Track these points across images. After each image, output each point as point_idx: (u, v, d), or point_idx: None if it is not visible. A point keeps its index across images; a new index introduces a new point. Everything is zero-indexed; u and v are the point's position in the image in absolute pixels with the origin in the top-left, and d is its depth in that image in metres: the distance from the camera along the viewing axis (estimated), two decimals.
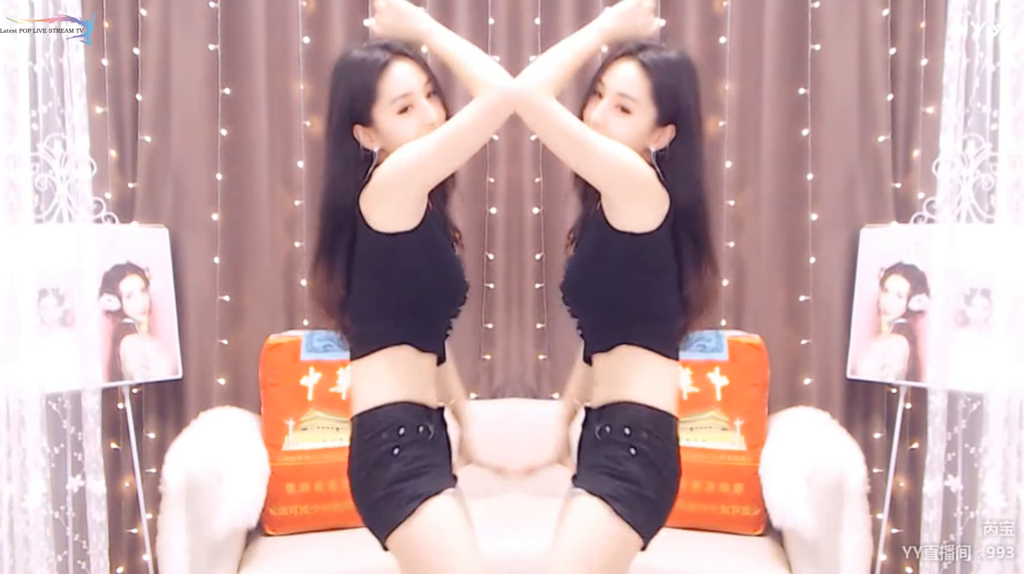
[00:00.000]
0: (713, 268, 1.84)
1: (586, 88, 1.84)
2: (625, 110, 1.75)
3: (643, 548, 1.78)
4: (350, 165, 1.74)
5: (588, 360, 1.89)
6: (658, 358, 1.80)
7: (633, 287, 1.77)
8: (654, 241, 1.75)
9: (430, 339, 1.84)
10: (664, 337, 1.81)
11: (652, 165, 1.75)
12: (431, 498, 1.72)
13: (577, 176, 1.84)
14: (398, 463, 1.72)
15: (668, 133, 1.76)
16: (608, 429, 1.77)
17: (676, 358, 1.85)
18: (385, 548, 1.78)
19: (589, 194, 1.89)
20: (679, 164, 1.75)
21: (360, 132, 1.75)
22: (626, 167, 1.70)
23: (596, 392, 1.86)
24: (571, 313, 1.91)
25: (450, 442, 1.89)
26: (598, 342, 1.84)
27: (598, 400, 1.84)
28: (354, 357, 1.83)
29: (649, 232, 1.74)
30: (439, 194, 1.88)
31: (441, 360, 1.90)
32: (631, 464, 1.73)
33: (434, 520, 1.72)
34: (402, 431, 1.74)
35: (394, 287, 1.77)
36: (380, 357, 1.78)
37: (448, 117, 1.77)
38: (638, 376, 1.78)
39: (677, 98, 1.75)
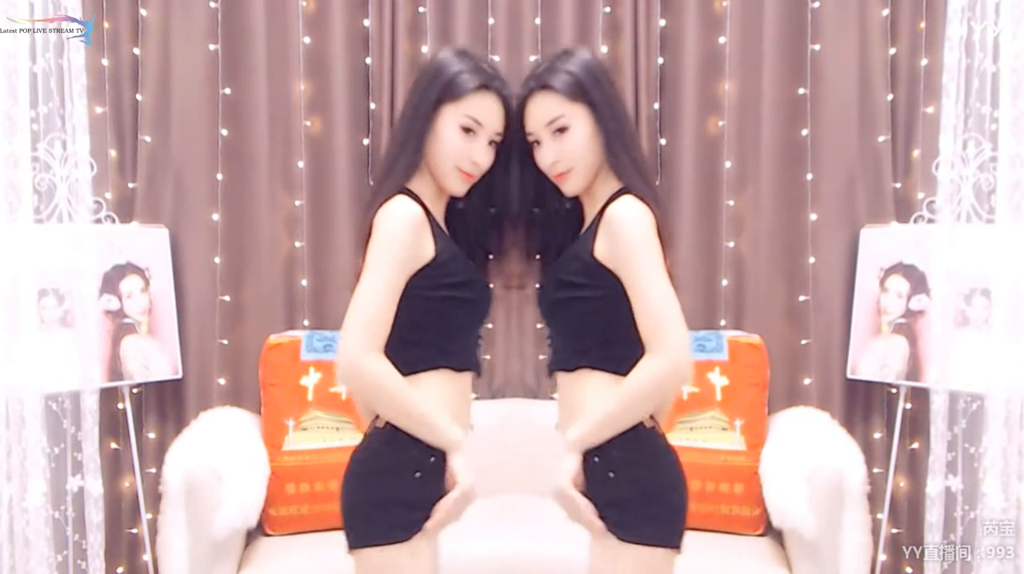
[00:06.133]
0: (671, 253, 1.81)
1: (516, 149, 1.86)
2: (562, 130, 1.78)
3: (679, 551, 1.79)
4: (409, 145, 1.77)
5: (550, 373, 1.88)
6: (617, 378, 1.75)
7: (610, 316, 1.75)
8: None
9: (464, 357, 1.82)
10: (629, 358, 1.74)
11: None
12: (418, 535, 1.71)
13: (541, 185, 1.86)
14: (411, 486, 1.70)
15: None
16: (585, 462, 1.73)
17: None
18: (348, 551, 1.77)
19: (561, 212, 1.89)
20: (618, 149, 1.77)
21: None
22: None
23: (563, 422, 1.84)
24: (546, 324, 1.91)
25: None
26: (564, 362, 1.83)
27: (566, 425, 1.81)
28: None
29: None
30: (481, 196, 1.88)
31: (479, 371, 1.88)
32: (618, 488, 1.71)
33: (411, 558, 1.71)
34: (432, 459, 1.71)
35: (418, 312, 1.74)
36: (420, 380, 1.75)
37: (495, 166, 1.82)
38: (594, 399, 1.75)
39: (584, 84, 1.77)
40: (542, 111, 1.78)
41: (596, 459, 1.72)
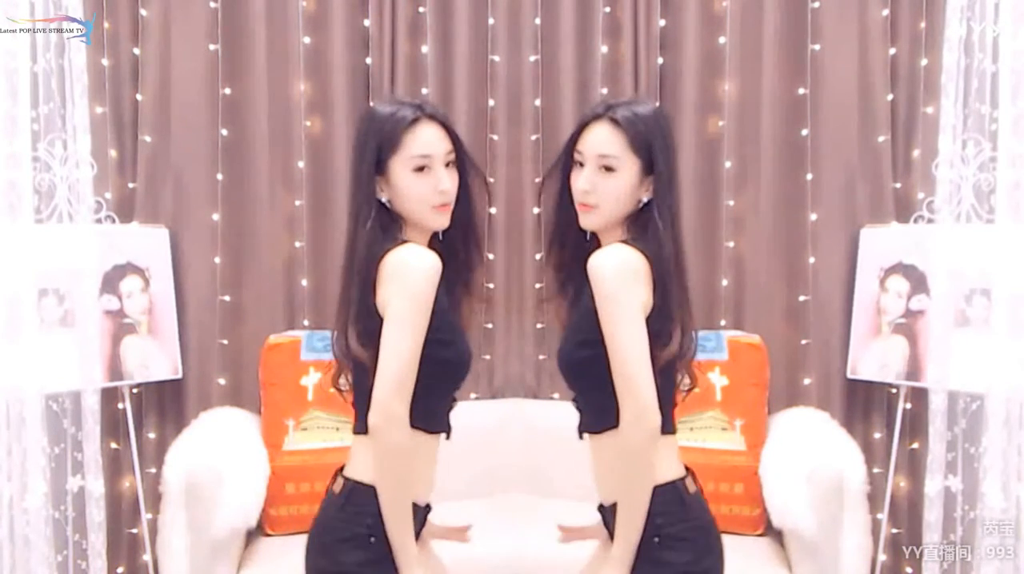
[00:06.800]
0: (691, 316, 1.80)
1: (560, 158, 1.84)
2: (609, 168, 1.75)
3: None
4: (364, 212, 1.75)
5: (580, 434, 1.84)
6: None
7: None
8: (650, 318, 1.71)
9: (438, 419, 1.79)
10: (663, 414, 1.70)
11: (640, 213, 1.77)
12: None
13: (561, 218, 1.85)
14: (368, 551, 1.68)
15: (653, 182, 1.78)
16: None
17: (672, 431, 1.78)
18: None
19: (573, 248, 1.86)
20: (661, 212, 1.75)
21: (376, 180, 1.76)
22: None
23: (600, 484, 1.81)
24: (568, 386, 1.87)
25: (423, 538, 1.81)
26: (593, 423, 1.78)
27: (605, 496, 1.78)
28: (359, 431, 1.76)
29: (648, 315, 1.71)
30: (460, 240, 1.85)
31: (449, 434, 1.84)
32: (664, 552, 1.68)
33: None
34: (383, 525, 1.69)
35: None
36: None
37: (465, 188, 1.81)
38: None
39: (652, 147, 1.75)
40: (600, 141, 1.76)
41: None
